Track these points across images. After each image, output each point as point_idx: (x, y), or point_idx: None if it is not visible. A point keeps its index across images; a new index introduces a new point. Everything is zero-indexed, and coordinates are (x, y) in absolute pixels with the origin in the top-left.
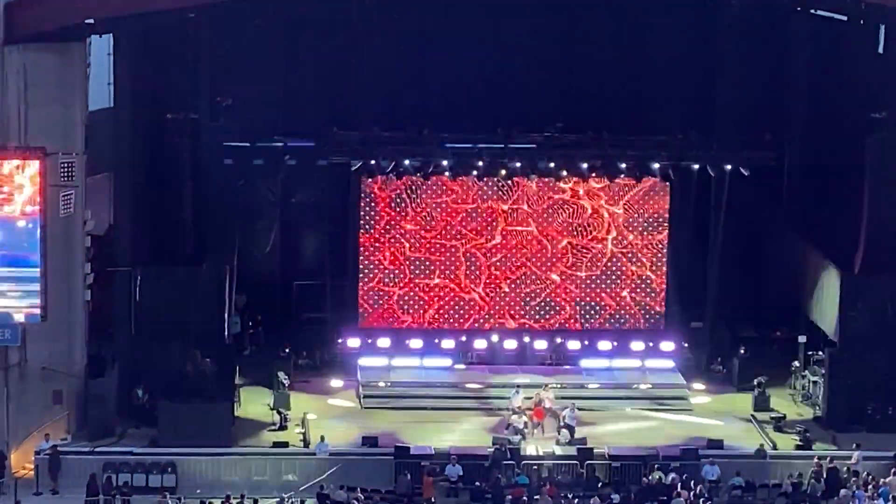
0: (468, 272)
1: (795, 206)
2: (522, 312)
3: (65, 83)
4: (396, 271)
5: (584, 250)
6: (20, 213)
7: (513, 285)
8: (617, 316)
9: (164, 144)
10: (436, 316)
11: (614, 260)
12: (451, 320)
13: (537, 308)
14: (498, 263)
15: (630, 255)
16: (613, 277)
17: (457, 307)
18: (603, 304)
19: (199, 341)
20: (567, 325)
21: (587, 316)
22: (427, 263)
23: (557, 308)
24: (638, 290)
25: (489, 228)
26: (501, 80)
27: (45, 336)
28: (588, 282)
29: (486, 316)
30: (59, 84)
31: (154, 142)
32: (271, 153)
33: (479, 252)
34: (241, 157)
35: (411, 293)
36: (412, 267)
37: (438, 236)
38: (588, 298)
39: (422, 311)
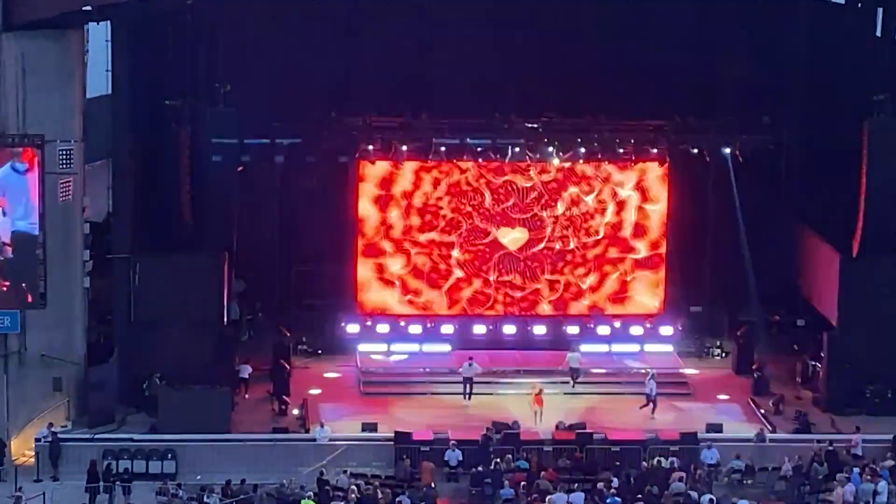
0: (466, 256)
1: (794, 189)
2: (521, 297)
3: (63, 70)
4: (395, 256)
5: (582, 235)
6: None
7: (511, 270)
8: (616, 300)
9: (162, 131)
10: (435, 301)
11: (613, 244)
12: (451, 305)
13: (536, 292)
14: (496, 247)
15: (628, 239)
16: (612, 262)
17: (456, 292)
18: (601, 287)
19: (198, 328)
20: (566, 309)
21: (586, 300)
22: (425, 248)
23: (556, 292)
24: (636, 274)
25: (487, 213)
26: (499, 64)
27: (45, 323)
28: (586, 266)
29: (486, 300)
30: (58, 71)
31: (152, 129)
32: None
33: (477, 236)
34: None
35: (410, 278)
36: (411, 252)
37: (436, 220)
38: (586, 282)
39: (421, 296)
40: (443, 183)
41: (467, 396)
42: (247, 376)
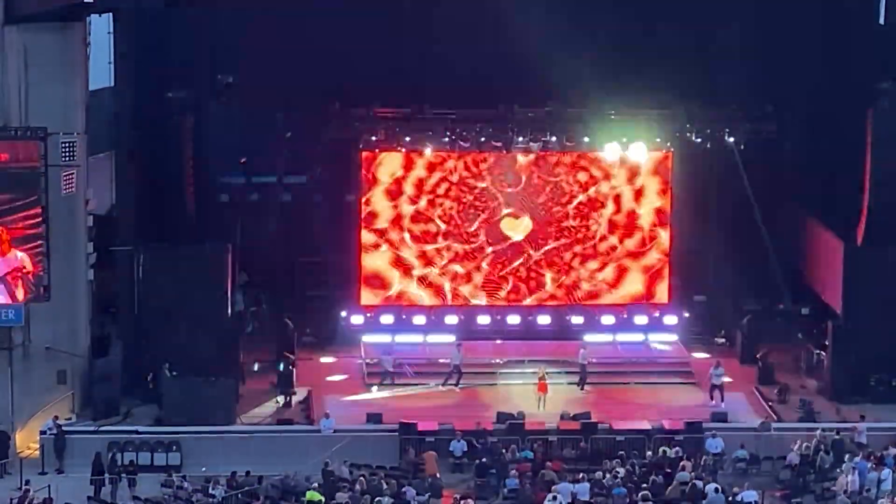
0: (470, 246)
1: (797, 177)
2: (525, 287)
3: (65, 63)
4: (399, 247)
5: (587, 224)
6: None
7: (516, 260)
8: (620, 289)
9: (165, 123)
10: (439, 291)
11: (616, 234)
12: (455, 296)
13: (540, 282)
14: (500, 238)
15: (632, 228)
16: (616, 251)
17: (460, 282)
18: (606, 277)
19: (202, 320)
20: (570, 299)
21: (590, 290)
22: (429, 238)
23: (560, 282)
24: (640, 263)
25: (491, 203)
26: (501, 53)
27: (49, 316)
28: (590, 256)
29: (490, 291)
30: (60, 64)
31: (155, 121)
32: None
33: (480, 226)
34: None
35: (413, 269)
36: (414, 242)
37: (440, 212)
38: (591, 272)
39: (425, 287)
40: (447, 172)
41: (455, 385)
42: (391, 368)
